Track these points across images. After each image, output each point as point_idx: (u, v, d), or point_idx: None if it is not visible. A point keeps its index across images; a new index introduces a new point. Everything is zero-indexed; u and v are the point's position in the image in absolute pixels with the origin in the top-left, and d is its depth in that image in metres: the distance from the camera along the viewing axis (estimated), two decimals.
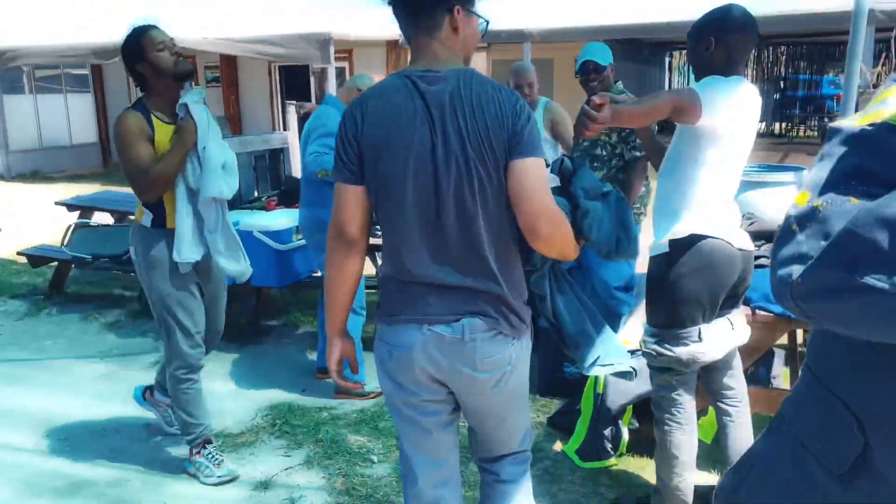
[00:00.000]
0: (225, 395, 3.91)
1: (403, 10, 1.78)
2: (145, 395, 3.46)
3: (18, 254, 5.76)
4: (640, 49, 14.72)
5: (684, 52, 17.10)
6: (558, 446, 3.25)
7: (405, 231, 1.76)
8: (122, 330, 4.91)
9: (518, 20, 9.60)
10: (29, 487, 3.02)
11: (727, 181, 2.34)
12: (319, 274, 4.83)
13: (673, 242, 2.33)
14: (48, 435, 3.48)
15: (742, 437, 2.59)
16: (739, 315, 2.50)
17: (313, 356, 4.30)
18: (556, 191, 2.01)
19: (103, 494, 2.96)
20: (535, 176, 1.70)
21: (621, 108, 2.13)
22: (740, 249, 2.34)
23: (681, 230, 2.31)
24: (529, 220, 1.70)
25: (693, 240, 2.30)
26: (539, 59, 10.17)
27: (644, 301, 2.54)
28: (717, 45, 2.28)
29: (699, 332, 2.36)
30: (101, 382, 4.12)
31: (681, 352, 2.37)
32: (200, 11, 12.47)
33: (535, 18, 9.91)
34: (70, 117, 14.65)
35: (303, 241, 4.53)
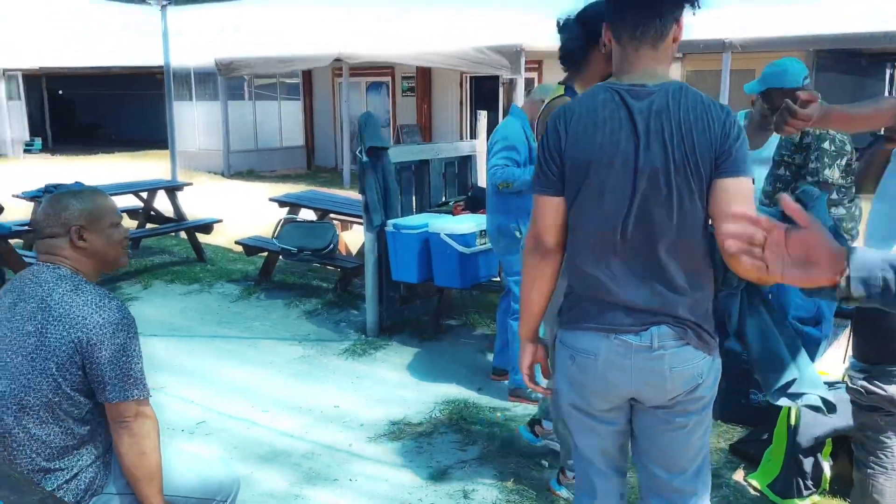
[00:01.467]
0: (407, 384, 4.14)
1: (635, 16, 1.73)
2: (535, 430, 3.33)
3: (236, 243, 6.46)
4: (856, 60, 13.45)
5: None
6: (740, 475, 3.09)
7: (594, 247, 1.77)
8: (318, 317, 5.35)
9: (718, 29, 9.18)
10: (237, 450, 3.40)
11: None
12: (499, 279, 4.94)
13: None
14: (254, 405, 3.89)
15: None
16: None
17: (489, 357, 4.42)
18: (778, 214, 1.93)
19: (298, 465, 3.26)
20: (739, 196, 1.66)
21: (832, 108, 1.99)
22: None
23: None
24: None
25: None
26: (739, 69, 9.66)
27: (846, 331, 2.36)
28: None
29: None
30: (299, 363, 4.52)
31: (893, 391, 2.17)
32: (398, 26, 13.21)
33: (736, 27, 9.42)
34: (282, 122, 16.12)
35: (486, 246, 4.68)
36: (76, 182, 5.67)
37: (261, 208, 8.08)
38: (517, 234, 3.78)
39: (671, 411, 1.82)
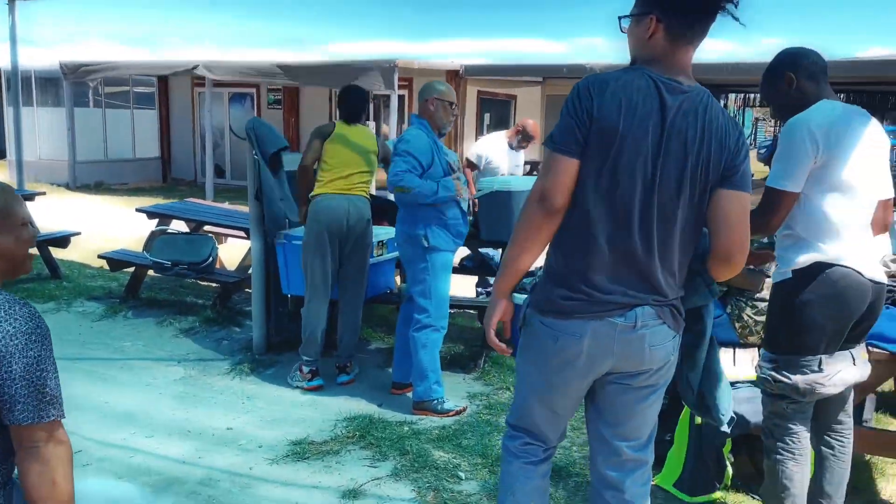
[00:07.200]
0: (304, 403, 3.95)
1: (697, 19, 1.79)
2: None
3: (99, 257, 5.90)
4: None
5: (740, 95, 16.99)
6: None
7: (602, 226, 1.79)
8: (196, 336, 4.99)
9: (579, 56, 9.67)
10: (122, 481, 3.06)
11: (853, 210, 2.31)
12: (396, 291, 4.87)
13: (796, 272, 2.31)
14: (135, 431, 3.54)
15: (842, 471, 2.53)
16: (861, 350, 2.45)
17: (388, 371, 4.32)
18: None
19: (196, 493, 2.99)
20: (742, 208, 1.83)
21: None
22: (871, 280, 2.30)
23: (804, 260, 2.29)
24: (727, 247, 1.84)
25: (818, 268, 2.28)
26: None
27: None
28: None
29: (819, 362, 2.32)
30: (180, 385, 4.19)
31: (798, 380, 2.33)
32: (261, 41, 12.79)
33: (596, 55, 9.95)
34: (135, 132, 15.11)
35: (382, 258, 4.58)
36: None
37: (118, 221, 7.47)
38: (425, 242, 3.71)
39: (642, 387, 1.93)
